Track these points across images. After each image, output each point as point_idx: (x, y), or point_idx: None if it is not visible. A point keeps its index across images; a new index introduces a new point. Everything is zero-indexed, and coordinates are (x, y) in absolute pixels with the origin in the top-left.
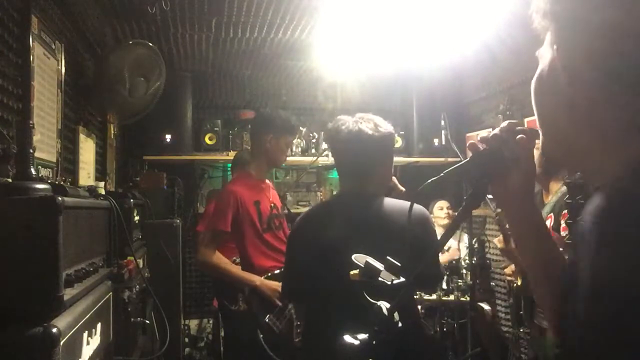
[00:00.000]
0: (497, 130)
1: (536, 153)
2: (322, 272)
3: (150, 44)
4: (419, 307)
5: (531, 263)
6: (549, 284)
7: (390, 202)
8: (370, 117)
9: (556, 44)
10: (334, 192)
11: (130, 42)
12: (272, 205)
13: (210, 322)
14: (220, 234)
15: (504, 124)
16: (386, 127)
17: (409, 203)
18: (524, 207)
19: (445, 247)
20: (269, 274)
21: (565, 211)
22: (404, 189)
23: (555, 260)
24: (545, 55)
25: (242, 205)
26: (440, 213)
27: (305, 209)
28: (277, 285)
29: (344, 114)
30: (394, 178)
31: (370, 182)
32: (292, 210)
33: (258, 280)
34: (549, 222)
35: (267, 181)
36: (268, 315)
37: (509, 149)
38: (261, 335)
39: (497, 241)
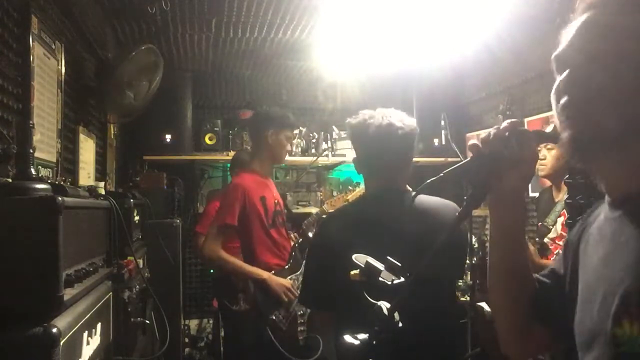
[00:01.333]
0: (498, 130)
1: (549, 153)
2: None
3: (152, 46)
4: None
5: (500, 265)
6: (514, 292)
7: (423, 198)
8: (394, 112)
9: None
10: (334, 193)
11: (138, 52)
12: (276, 202)
13: (210, 322)
14: (227, 227)
15: (506, 122)
16: (410, 121)
17: (442, 199)
18: (514, 208)
19: None
20: (272, 272)
21: (565, 209)
22: (409, 189)
23: (525, 270)
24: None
25: (249, 200)
26: None
27: (307, 209)
28: (284, 281)
29: (344, 114)
30: None
31: (398, 178)
32: (293, 211)
33: (266, 274)
34: (562, 219)
35: (270, 178)
36: (275, 312)
37: (508, 149)
38: (269, 331)
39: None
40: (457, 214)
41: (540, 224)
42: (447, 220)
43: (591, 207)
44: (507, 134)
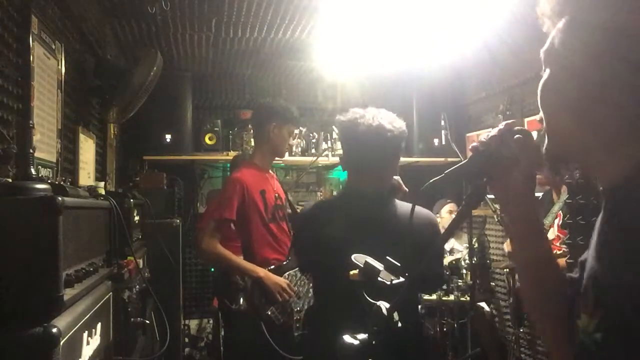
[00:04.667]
0: (495, 131)
1: None
2: (324, 269)
3: (160, 55)
4: (419, 307)
5: (525, 264)
6: (543, 286)
7: (400, 203)
8: (384, 113)
9: (561, 45)
10: (333, 193)
11: (154, 72)
12: (277, 195)
13: (210, 322)
14: (225, 222)
15: (502, 124)
16: (400, 124)
17: (419, 207)
18: (524, 207)
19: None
20: (272, 267)
21: (560, 211)
22: (407, 190)
23: (549, 264)
24: (550, 55)
25: (248, 194)
26: (448, 216)
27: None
28: (280, 280)
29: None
30: (399, 178)
31: (382, 180)
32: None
33: (262, 271)
34: (558, 220)
35: (271, 172)
36: (271, 308)
37: (507, 148)
38: (263, 326)
39: (506, 245)
40: (430, 219)
41: None
42: (419, 224)
43: (591, 207)
44: (504, 133)
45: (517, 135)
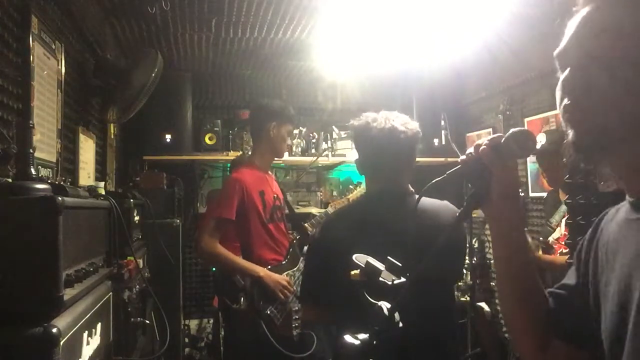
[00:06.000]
0: (471, 149)
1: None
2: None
3: (160, 57)
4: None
5: (505, 271)
6: (528, 307)
7: (425, 199)
8: (397, 115)
9: (614, 33)
10: (333, 193)
11: (156, 73)
12: (275, 196)
13: (210, 322)
14: (224, 222)
15: (488, 138)
16: (413, 125)
17: (441, 201)
18: (504, 215)
19: None
20: (269, 267)
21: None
22: (412, 190)
23: (534, 283)
24: (601, 43)
25: (248, 194)
26: None
27: (307, 209)
28: (280, 277)
29: (344, 114)
30: None
31: (399, 182)
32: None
33: (262, 271)
34: (566, 219)
35: (270, 173)
36: (270, 307)
37: (480, 162)
38: (264, 325)
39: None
40: (456, 214)
41: (544, 223)
42: (446, 222)
43: (591, 207)
44: (476, 150)
45: (475, 145)
